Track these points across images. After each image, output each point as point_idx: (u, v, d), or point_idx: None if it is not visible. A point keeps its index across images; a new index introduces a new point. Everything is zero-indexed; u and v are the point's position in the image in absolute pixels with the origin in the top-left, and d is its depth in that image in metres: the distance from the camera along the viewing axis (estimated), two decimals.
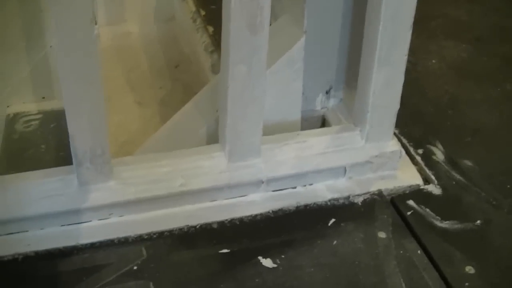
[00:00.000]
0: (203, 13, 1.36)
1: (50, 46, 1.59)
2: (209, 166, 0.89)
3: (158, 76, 1.45)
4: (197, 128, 0.97)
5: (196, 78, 1.40)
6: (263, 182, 0.90)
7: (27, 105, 1.61)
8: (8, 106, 1.60)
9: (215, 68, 1.18)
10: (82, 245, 0.86)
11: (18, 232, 0.86)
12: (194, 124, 0.97)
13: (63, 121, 1.63)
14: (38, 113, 1.59)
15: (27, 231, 0.86)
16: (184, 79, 1.43)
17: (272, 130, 0.92)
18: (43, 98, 1.62)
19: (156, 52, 1.54)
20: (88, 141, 0.81)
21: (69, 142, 0.79)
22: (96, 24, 0.74)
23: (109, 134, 1.23)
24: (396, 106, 0.91)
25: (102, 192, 0.85)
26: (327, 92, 1.02)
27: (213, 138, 0.96)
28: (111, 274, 0.83)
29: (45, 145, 1.56)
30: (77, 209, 0.85)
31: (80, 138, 0.81)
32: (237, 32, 0.80)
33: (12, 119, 1.59)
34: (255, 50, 0.82)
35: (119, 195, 0.85)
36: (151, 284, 0.81)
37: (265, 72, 0.83)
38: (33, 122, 1.59)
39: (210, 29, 1.29)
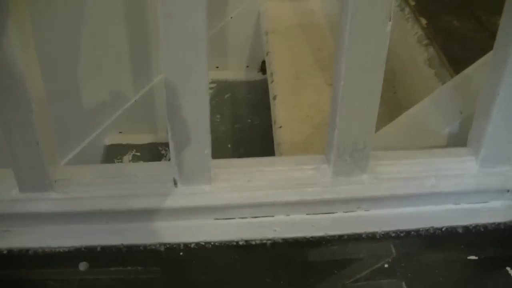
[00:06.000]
0: (412, 3, 1.32)
1: (231, 17, 1.59)
2: (460, 169, 0.87)
3: None
4: (438, 128, 0.95)
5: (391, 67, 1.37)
6: (508, 191, 0.88)
7: None
8: None
9: (432, 63, 1.16)
10: (330, 236, 0.85)
11: (264, 217, 0.85)
12: (435, 123, 0.95)
13: (237, 92, 1.65)
14: (212, 82, 1.61)
15: (273, 216, 0.85)
16: None
17: None
18: (217, 67, 1.63)
19: None
20: (353, 135, 0.80)
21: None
22: (390, 21, 0.72)
23: (301, 114, 1.23)
24: None
25: (354, 185, 0.85)
26: None
27: (454, 139, 0.94)
28: (363, 269, 0.82)
29: (220, 115, 1.57)
30: (327, 199, 0.85)
31: (347, 131, 0.80)
32: None
33: None
34: None
35: (371, 189, 0.85)
36: (403, 283, 0.80)
37: None
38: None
39: (423, 21, 1.26)
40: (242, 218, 0.84)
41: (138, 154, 1.66)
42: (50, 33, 1.29)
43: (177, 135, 0.77)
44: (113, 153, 1.65)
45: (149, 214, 0.83)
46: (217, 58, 1.67)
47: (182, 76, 0.73)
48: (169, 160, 1.58)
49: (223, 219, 0.84)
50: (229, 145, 1.51)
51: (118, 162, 1.63)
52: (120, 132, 1.66)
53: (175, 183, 0.82)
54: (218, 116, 1.60)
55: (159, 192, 0.82)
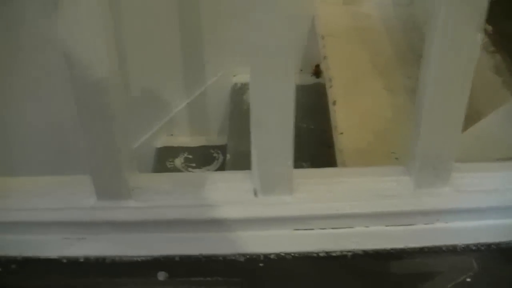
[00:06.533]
0: None
1: None
2: None
3: (404, 64, 1.42)
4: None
5: None
6: None
7: None
8: (234, 76, 1.60)
9: (499, 70, 1.14)
10: (410, 248, 0.84)
11: (344, 228, 0.84)
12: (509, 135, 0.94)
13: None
14: None
15: (352, 227, 0.84)
16: None
17: None
18: None
19: (398, 38, 1.51)
20: (437, 147, 0.79)
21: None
22: (480, 32, 0.71)
23: (361, 120, 1.22)
24: None
25: (435, 197, 0.84)
26: None
27: None
28: (445, 283, 0.81)
29: None
30: (407, 211, 0.83)
31: (431, 143, 0.78)
32: None
33: (240, 89, 1.60)
34: None
35: (452, 202, 0.84)
36: None
37: None
38: None
39: (488, 27, 1.24)
40: (322, 229, 0.83)
41: (190, 156, 1.65)
42: None
43: (260, 146, 0.77)
44: (165, 156, 1.65)
45: (228, 224, 0.82)
46: None
47: (270, 86, 0.72)
48: (221, 164, 1.59)
49: (303, 229, 0.83)
50: None
51: (170, 164, 1.62)
52: (172, 135, 1.66)
53: (255, 193, 0.81)
54: None
55: (239, 201, 0.82)
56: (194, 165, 1.65)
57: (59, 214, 0.84)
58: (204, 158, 1.66)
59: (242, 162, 1.43)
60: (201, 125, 1.68)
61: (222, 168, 1.62)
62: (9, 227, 0.85)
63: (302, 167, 1.31)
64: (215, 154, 1.68)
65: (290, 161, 0.79)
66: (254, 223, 0.83)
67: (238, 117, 1.59)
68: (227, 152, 1.51)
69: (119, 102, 0.75)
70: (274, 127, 0.76)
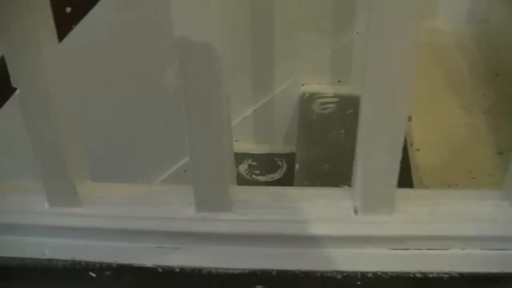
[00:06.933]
0: None
1: (357, 32, 1.58)
2: None
3: (479, 82, 1.42)
4: None
5: None
6: None
7: (322, 86, 1.62)
8: (303, 85, 1.61)
9: None
10: (506, 273, 0.84)
11: (439, 249, 0.84)
12: None
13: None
14: (334, 96, 1.60)
15: (447, 249, 0.84)
16: (508, 89, 1.39)
17: None
18: (339, 81, 1.62)
19: (472, 55, 1.50)
20: None
21: None
22: None
23: (437, 137, 1.22)
24: None
25: None
26: None
27: None
28: None
29: (344, 130, 1.56)
30: (504, 236, 0.84)
31: None
32: None
33: (308, 99, 1.61)
34: None
35: None
36: None
37: None
38: (330, 105, 1.60)
39: None
40: (417, 249, 0.84)
41: (254, 163, 1.66)
42: None
43: (366, 165, 0.77)
44: None
45: (327, 240, 0.83)
46: (340, 72, 1.66)
47: (383, 108, 0.73)
48: (285, 172, 1.60)
49: (399, 249, 0.83)
50: None
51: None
52: (237, 141, 1.67)
53: (356, 211, 0.82)
54: (342, 131, 1.60)
55: (339, 219, 0.82)
56: (258, 172, 1.66)
57: (156, 224, 0.85)
58: (268, 165, 1.67)
59: (311, 171, 1.45)
60: (266, 133, 1.69)
61: (286, 176, 1.63)
62: (105, 234, 0.87)
63: None
64: (279, 162, 1.68)
65: (394, 180, 0.79)
66: (353, 241, 0.83)
67: (307, 127, 1.60)
68: (295, 162, 1.52)
69: (227, 116, 0.76)
70: (383, 147, 0.76)
